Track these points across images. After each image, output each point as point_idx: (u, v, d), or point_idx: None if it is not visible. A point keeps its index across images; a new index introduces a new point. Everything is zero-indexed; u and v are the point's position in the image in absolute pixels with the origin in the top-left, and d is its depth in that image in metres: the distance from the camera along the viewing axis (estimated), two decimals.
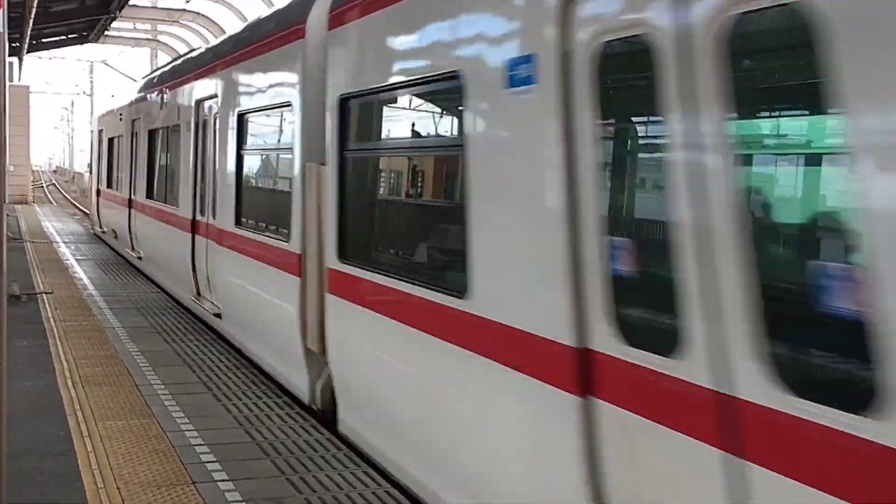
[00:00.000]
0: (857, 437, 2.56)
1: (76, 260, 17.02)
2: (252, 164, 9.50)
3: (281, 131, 8.36)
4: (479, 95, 4.62)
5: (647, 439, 3.41)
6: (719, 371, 3.06)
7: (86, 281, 14.17)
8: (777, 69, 3.48)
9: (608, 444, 3.65)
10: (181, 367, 8.50)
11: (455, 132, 5.44)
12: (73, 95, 79.05)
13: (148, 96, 15.11)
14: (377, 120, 6.57)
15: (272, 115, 8.59)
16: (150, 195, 14.54)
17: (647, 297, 3.67)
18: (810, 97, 3.01)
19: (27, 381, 7.81)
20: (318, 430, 6.63)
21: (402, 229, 6.44)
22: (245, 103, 9.18)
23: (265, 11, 12.36)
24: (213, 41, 14.38)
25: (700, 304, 3.13)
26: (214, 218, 10.11)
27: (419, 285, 5.29)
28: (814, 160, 3.44)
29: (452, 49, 5.00)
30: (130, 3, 25.12)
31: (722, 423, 3.06)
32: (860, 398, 2.55)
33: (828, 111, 2.73)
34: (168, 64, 17.14)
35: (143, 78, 19.35)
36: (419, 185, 6.29)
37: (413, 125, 6.23)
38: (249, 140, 9.33)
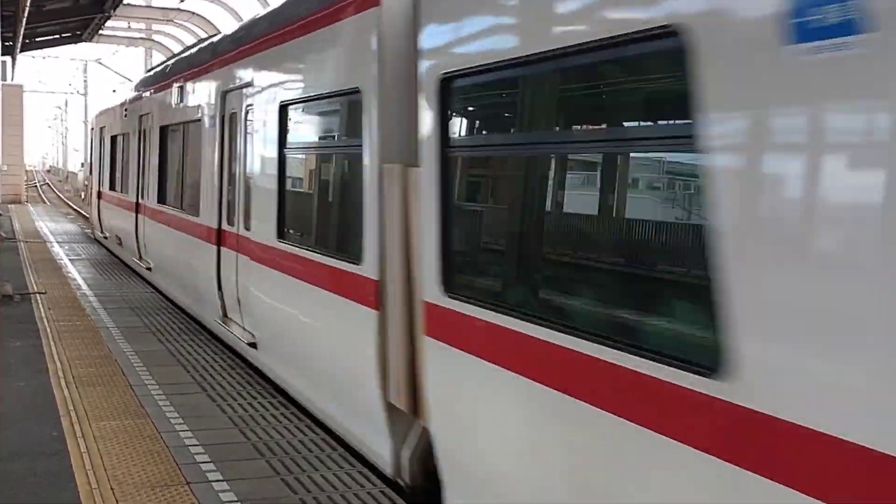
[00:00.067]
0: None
1: (70, 260, 16.96)
2: (299, 165, 7.87)
3: (343, 124, 6.88)
4: (727, 60, 2.94)
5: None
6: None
7: (79, 281, 14.11)
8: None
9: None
10: (175, 367, 8.47)
11: (684, 114, 3.13)
12: (67, 95, 78.95)
13: (158, 89, 13.61)
14: (517, 104, 4.81)
15: (330, 105, 7.02)
16: (162, 199, 13.04)
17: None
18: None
19: (20, 381, 7.77)
20: (312, 430, 6.61)
21: (559, 257, 4.51)
22: (290, 92, 7.56)
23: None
24: (245, 20, 11.98)
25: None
26: (248, 229, 8.49)
27: (589, 337, 3.65)
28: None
29: None
30: (125, 2, 25.10)
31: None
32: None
33: None
34: (183, 52, 15.17)
35: (152, 70, 17.86)
36: (608, 192, 4.20)
37: (589, 108, 4.35)
38: (296, 136, 7.69)
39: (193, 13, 30.33)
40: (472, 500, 4.77)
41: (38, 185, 58.61)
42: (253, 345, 8.37)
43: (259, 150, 8.21)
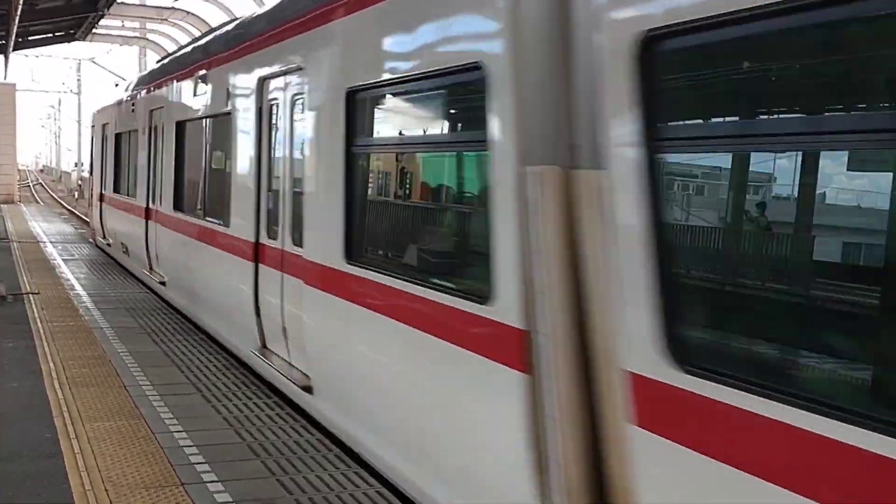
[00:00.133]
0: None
1: (63, 260, 16.91)
2: (378, 167, 6.38)
3: (450, 114, 5.62)
4: None
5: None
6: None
7: (73, 281, 14.07)
8: None
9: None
10: (170, 367, 8.44)
11: None
12: (61, 94, 78.73)
13: (173, 80, 11.98)
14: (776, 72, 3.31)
15: (427, 89, 5.44)
16: (179, 206, 11.40)
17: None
18: None
19: (13, 382, 7.74)
20: (308, 430, 6.59)
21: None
22: (362, 74, 5.93)
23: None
24: None
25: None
26: (298, 244, 7.07)
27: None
28: None
29: None
30: (119, 0, 24.99)
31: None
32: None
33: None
34: (202, 37, 12.90)
35: (164, 59, 15.78)
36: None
37: None
38: (371, 130, 6.21)
39: (188, 12, 30.28)
40: None
41: (31, 184, 58.52)
42: (308, 388, 6.83)
43: (314, 149, 6.69)
